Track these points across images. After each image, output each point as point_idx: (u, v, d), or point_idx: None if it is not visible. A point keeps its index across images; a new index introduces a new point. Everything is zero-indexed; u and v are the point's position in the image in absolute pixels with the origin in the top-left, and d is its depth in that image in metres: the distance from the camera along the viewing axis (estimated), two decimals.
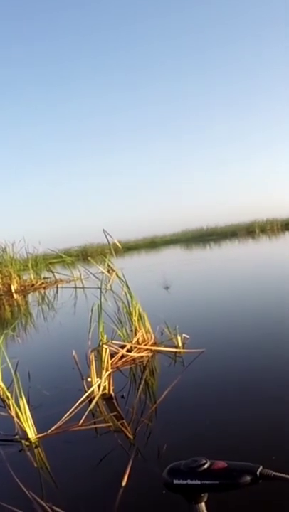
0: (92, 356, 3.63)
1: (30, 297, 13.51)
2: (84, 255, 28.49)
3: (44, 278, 16.05)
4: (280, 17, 42.73)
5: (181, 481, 0.88)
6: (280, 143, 48.94)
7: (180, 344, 4.60)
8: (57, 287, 14.38)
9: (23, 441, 2.97)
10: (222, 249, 23.05)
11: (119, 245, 4.82)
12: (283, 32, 44.80)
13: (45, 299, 12.50)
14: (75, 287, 11.94)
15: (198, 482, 0.87)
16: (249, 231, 33.87)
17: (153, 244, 36.84)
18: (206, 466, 0.87)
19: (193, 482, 0.87)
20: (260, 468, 0.86)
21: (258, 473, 0.86)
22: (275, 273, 9.58)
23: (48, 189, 49.43)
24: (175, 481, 0.88)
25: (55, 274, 15.49)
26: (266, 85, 47.89)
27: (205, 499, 0.92)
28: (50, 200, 49.53)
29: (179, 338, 4.61)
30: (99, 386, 3.54)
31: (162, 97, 49.14)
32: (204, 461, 0.88)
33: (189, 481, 0.87)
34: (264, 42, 44.93)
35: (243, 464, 0.88)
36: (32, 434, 3.01)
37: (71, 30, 42.07)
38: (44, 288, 14.82)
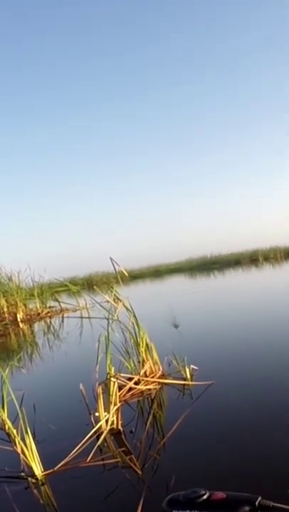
0: (99, 390, 3.57)
1: (36, 326, 13.45)
2: (89, 284, 28.52)
3: (50, 307, 16.01)
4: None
5: None
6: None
7: (188, 376, 4.52)
8: (62, 316, 14.31)
9: (29, 479, 2.89)
10: (227, 277, 22.98)
11: (126, 274, 4.79)
12: None
13: (51, 328, 12.43)
14: (81, 317, 11.88)
15: None
16: (252, 259, 33.91)
17: (157, 272, 36.91)
18: (205, 496, 0.87)
19: None
20: (259, 498, 0.86)
21: (256, 503, 0.85)
22: (284, 301, 9.51)
23: (52, 217, 49.70)
24: None
25: (61, 303, 15.44)
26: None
27: None
28: (54, 228, 49.79)
29: (187, 370, 4.54)
30: (107, 421, 3.47)
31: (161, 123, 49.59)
32: (203, 491, 0.88)
33: None
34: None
35: (241, 494, 0.88)
36: (38, 470, 2.93)
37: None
38: (50, 317, 14.76)
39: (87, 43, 41.24)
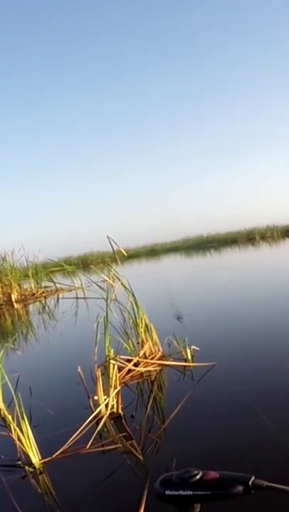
0: (98, 373, 3.41)
1: (30, 307, 13.30)
2: (84, 264, 28.37)
3: (44, 287, 15.85)
4: None
5: (173, 492, 0.87)
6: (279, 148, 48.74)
7: (189, 357, 4.38)
8: (58, 296, 14.17)
9: (26, 468, 2.75)
10: (224, 256, 22.86)
11: (124, 252, 4.61)
12: None
13: (46, 308, 12.29)
14: (77, 297, 11.73)
15: (191, 493, 0.86)
16: (249, 238, 33.83)
17: (153, 252, 36.76)
18: (198, 476, 0.87)
19: (186, 493, 0.87)
20: (253, 478, 0.85)
21: (250, 483, 0.84)
22: (284, 280, 9.37)
23: (46, 197, 49.24)
24: (167, 492, 0.88)
25: (56, 283, 15.28)
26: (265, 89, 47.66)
27: (198, 510, 0.92)
28: (48, 207, 49.40)
29: (188, 351, 4.39)
30: (107, 405, 3.32)
31: (166, 101, 48.86)
32: (196, 471, 0.88)
33: (181, 492, 0.87)
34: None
35: (235, 474, 0.87)
36: (36, 458, 2.79)
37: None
38: (45, 297, 14.62)
39: None
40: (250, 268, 14.11)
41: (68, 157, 49.62)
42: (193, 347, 4.53)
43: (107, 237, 4.43)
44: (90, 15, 39.75)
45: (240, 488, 0.85)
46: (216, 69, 46.63)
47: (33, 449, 2.79)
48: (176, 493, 0.88)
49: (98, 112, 46.98)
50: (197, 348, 4.57)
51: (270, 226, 34.21)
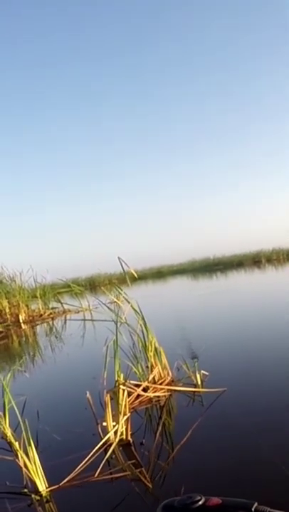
0: (107, 398, 3.34)
1: (38, 328, 13.24)
2: (91, 285, 28.38)
3: (52, 308, 15.80)
4: None
5: None
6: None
7: (199, 382, 4.30)
8: (65, 318, 14.11)
9: (32, 495, 2.67)
10: (231, 279, 22.75)
11: (135, 274, 4.57)
12: None
13: (54, 329, 12.22)
14: (84, 319, 11.66)
15: None
16: (255, 261, 33.73)
17: (160, 274, 36.69)
18: (200, 502, 0.87)
19: None
20: (256, 504, 0.86)
21: (253, 509, 0.84)
22: None
23: (53, 219, 49.50)
24: None
25: (63, 304, 15.23)
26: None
27: None
28: (57, 229, 49.62)
29: (198, 376, 4.31)
30: (116, 432, 3.24)
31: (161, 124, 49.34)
32: (199, 497, 0.88)
33: None
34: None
35: (238, 500, 0.87)
36: (42, 486, 2.71)
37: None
38: (52, 318, 14.55)
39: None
40: (259, 291, 14.01)
41: (76, 176, 49.89)
42: (202, 371, 4.45)
43: (118, 258, 4.40)
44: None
45: None
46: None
47: (40, 476, 2.72)
48: None
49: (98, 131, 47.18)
50: (206, 373, 4.49)
51: (276, 249, 34.15)
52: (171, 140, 49.80)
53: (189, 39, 41.56)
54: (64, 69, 41.52)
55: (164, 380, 4.49)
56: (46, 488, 2.71)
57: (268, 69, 44.45)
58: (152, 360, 4.54)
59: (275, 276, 21.22)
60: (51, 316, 14.98)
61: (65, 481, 2.75)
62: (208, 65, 44.50)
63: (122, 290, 4.98)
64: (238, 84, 46.62)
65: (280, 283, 16.92)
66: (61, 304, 15.33)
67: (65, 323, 13.19)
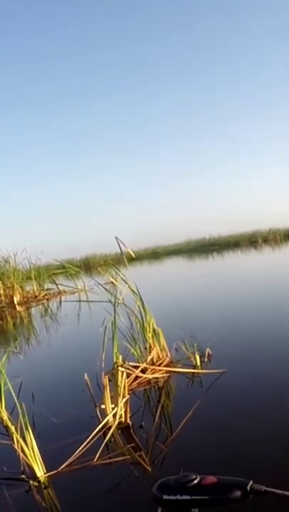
0: (106, 380, 3.26)
1: (33, 309, 13.16)
2: (86, 266, 28.25)
3: (47, 289, 15.70)
4: None
5: (171, 497, 0.87)
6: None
7: (198, 363, 4.23)
8: (60, 299, 14.02)
9: (30, 481, 2.59)
10: (228, 259, 22.69)
11: (133, 254, 4.45)
12: None
13: (49, 311, 12.14)
14: (80, 300, 11.56)
15: (188, 497, 0.86)
16: (251, 241, 33.59)
17: (155, 254, 36.55)
18: (195, 481, 0.86)
19: (183, 497, 0.86)
20: (251, 483, 0.85)
21: (248, 488, 0.84)
22: None
23: (48, 199, 49.11)
24: (165, 497, 0.87)
25: (59, 286, 15.13)
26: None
27: None
28: (50, 209, 49.29)
29: (197, 357, 4.24)
30: (114, 415, 3.16)
31: (165, 104, 48.79)
32: (194, 476, 0.87)
33: (179, 497, 0.86)
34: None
35: (233, 478, 0.87)
36: (40, 472, 2.63)
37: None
38: (47, 300, 14.47)
39: None
40: (256, 272, 13.93)
41: (71, 159, 49.40)
42: (208, 350, 4.40)
43: (116, 238, 4.28)
44: None
45: (239, 492, 0.85)
46: None
47: (38, 461, 2.64)
48: (174, 497, 0.87)
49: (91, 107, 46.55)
50: (211, 352, 4.43)
51: (272, 229, 33.98)
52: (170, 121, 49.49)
53: None
54: None
55: (163, 361, 4.42)
56: (44, 473, 2.64)
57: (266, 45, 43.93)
58: (150, 341, 4.46)
59: (272, 256, 21.16)
60: (46, 297, 14.89)
61: (63, 466, 2.68)
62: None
63: (120, 271, 4.86)
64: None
65: (277, 263, 16.84)
66: (56, 285, 15.23)
67: (60, 304, 13.11)
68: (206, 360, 4.39)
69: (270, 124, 49.11)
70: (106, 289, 4.98)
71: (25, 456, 2.64)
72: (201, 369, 4.18)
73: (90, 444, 2.86)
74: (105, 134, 48.84)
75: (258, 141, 49.30)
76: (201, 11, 41.99)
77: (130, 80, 45.50)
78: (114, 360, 3.53)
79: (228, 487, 0.86)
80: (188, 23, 42.37)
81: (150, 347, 4.45)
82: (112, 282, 5.14)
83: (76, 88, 45.00)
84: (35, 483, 2.58)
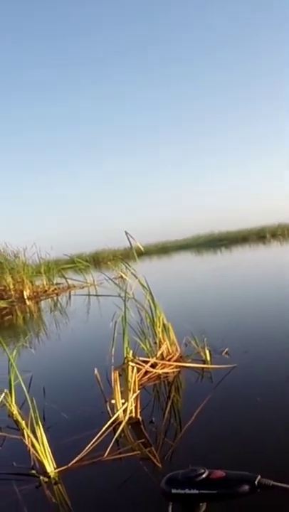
0: (116, 375, 3.24)
1: (42, 304, 13.18)
2: (96, 260, 28.28)
3: (56, 284, 15.72)
4: None
5: (179, 491, 0.88)
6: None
7: (208, 358, 4.20)
8: (69, 293, 14.04)
9: (40, 477, 2.58)
10: (237, 254, 22.59)
11: (142, 248, 4.43)
12: None
13: (58, 305, 12.16)
14: (89, 294, 11.57)
15: (196, 491, 0.87)
16: (260, 236, 33.42)
17: (164, 249, 36.51)
18: (204, 475, 0.87)
19: (191, 491, 0.87)
20: (259, 477, 0.86)
21: (256, 482, 0.85)
22: None
23: (58, 194, 49.19)
24: (173, 491, 0.88)
25: (68, 280, 15.14)
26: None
27: (203, 509, 0.92)
28: (60, 205, 49.35)
29: (207, 352, 4.21)
30: (125, 410, 3.15)
31: (172, 100, 48.58)
32: (202, 470, 0.88)
33: (187, 491, 0.87)
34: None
35: (241, 473, 0.88)
36: (51, 467, 2.62)
37: None
38: (57, 294, 14.49)
39: None
40: (266, 267, 13.84)
41: (81, 155, 49.41)
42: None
43: (125, 232, 4.26)
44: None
45: (246, 487, 0.85)
46: None
47: (48, 456, 2.63)
48: (182, 491, 0.88)
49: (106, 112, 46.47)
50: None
51: (281, 224, 33.76)
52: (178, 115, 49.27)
53: None
54: None
55: (173, 356, 4.40)
56: (54, 469, 2.62)
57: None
58: (160, 335, 4.44)
59: (280, 251, 21.02)
60: (56, 291, 14.92)
61: (73, 461, 2.66)
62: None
63: (130, 266, 4.84)
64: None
65: (285, 259, 16.73)
66: (65, 279, 15.25)
67: (69, 298, 13.13)
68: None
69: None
70: (116, 284, 4.97)
71: (36, 451, 2.63)
72: (211, 364, 4.15)
73: (100, 439, 2.85)
74: (118, 130, 48.66)
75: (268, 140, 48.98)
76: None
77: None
78: (125, 355, 3.50)
79: (236, 481, 0.86)
80: None
81: (160, 342, 4.43)
82: (122, 277, 5.12)
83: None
84: (46, 479, 2.57)
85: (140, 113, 47.92)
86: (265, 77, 47.27)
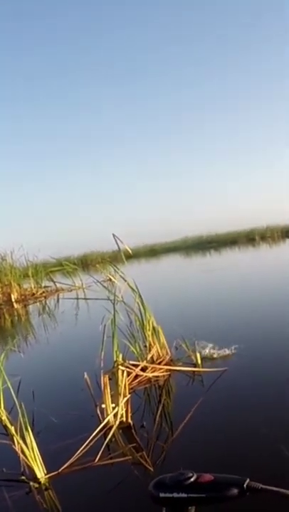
0: (106, 379, 3.21)
1: (30, 307, 13.10)
2: (84, 263, 28.18)
3: (45, 287, 15.63)
4: None
5: (168, 494, 0.87)
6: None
7: (199, 361, 4.19)
8: (58, 296, 13.96)
9: (31, 483, 2.55)
10: (225, 257, 22.68)
11: (130, 250, 4.41)
12: None
13: (46, 308, 12.08)
14: (78, 298, 11.51)
15: (185, 495, 0.86)
16: (249, 238, 33.58)
17: (153, 251, 36.53)
18: (192, 479, 0.86)
19: (180, 495, 0.86)
20: (248, 480, 0.86)
21: (245, 485, 0.85)
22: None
23: (45, 197, 48.95)
24: (161, 494, 0.88)
25: (56, 283, 15.07)
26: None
27: None
28: (47, 207, 49.10)
29: (198, 355, 4.20)
30: (115, 415, 3.12)
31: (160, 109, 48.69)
32: (191, 474, 0.87)
33: (175, 494, 0.86)
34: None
35: (230, 476, 0.88)
36: (41, 473, 2.59)
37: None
38: (45, 297, 14.40)
39: None
40: (255, 270, 13.89)
41: (70, 156, 49.25)
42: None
43: (113, 235, 4.24)
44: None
45: (235, 490, 0.85)
46: None
47: (38, 462, 2.60)
48: (170, 495, 0.86)
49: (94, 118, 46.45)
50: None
51: (270, 226, 33.94)
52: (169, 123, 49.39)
53: None
54: None
55: (163, 360, 4.38)
56: (45, 474, 2.59)
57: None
58: (150, 339, 4.43)
59: (269, 253, 21.14)
60: (44, 294, 14.83)
61: (64, 467, 2.63)
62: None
63: (119, 268, 4.82)
64: None
65: (275, 261, 16.82)
66: (54, 282, 15.17)
67: (58, 301, 13.06)
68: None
69: (270, 122, 49.06)
70: (104, 287, 4.94)
71: (26, 457, 2.60)
72: (202, 367, 4.14)
73: (90, 444, 2.82)
74: (108, 131, 48.69)
75: (257, 140, 49.29)
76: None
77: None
78: (115, 359, 3.48)
79: (224, 485, 0.86)
80: None
81: (150, 345, 4.41)
82: (110, 279, 5.09)
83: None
84: (36, 485, 2.54)
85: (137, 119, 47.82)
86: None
